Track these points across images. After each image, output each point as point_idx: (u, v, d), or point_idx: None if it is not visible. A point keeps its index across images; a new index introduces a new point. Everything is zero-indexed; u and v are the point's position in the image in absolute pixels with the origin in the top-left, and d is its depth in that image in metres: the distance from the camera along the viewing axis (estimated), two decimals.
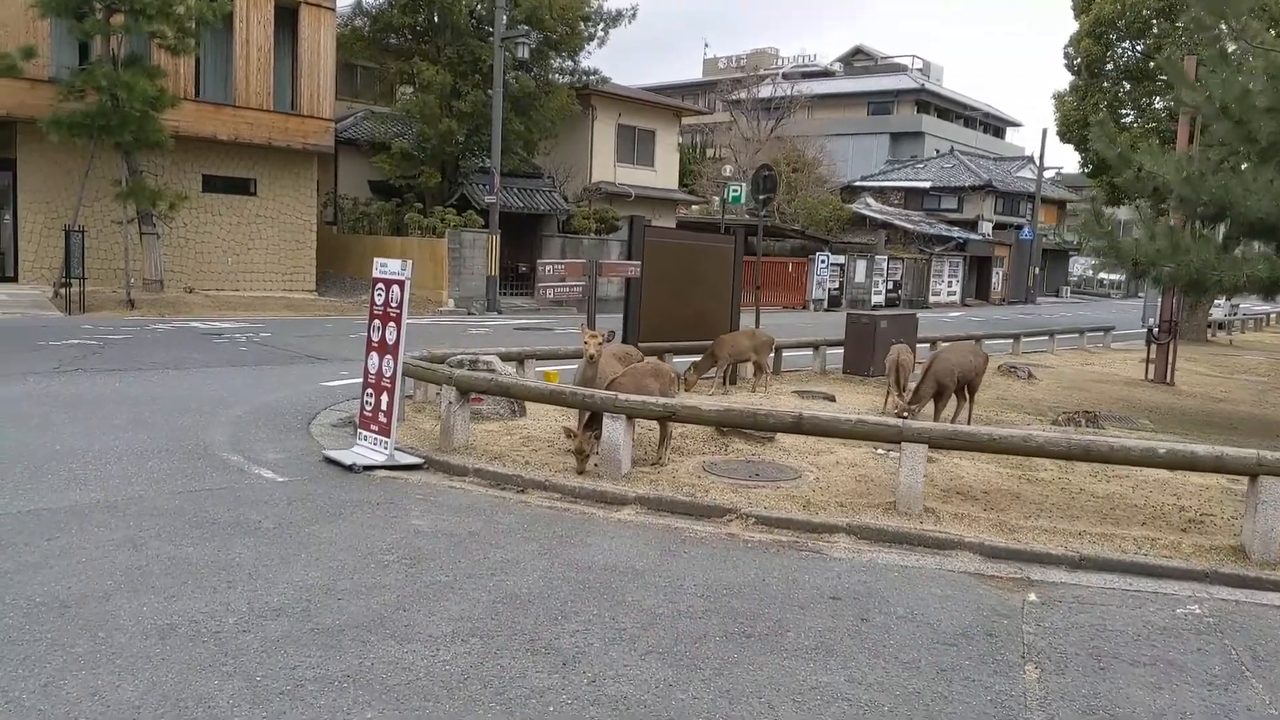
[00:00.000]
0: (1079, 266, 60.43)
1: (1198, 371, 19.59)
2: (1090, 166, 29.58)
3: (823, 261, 34.54)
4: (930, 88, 59.77)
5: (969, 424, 10.04)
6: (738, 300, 13.49)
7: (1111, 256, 13.32)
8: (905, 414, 9.33)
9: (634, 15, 27.65)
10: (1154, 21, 25.51)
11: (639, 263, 10.52)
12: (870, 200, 45.85)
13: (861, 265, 37.70)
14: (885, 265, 38.81)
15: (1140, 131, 26.41)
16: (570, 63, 27.83)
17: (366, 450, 7.37)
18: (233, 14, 21.86)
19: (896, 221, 43.21)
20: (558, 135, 28.13)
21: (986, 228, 46.38)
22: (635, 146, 32.53)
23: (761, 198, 14.11)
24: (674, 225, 33.49)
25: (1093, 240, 13.10)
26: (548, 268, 9.61)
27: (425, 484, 6.86)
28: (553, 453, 7.74)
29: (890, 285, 39.19)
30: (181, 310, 20.19)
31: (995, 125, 67.40)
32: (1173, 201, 13.13)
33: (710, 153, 49.06)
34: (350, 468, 7.04)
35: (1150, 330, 17.67)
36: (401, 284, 7.28)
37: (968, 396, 9.89)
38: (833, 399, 11.71)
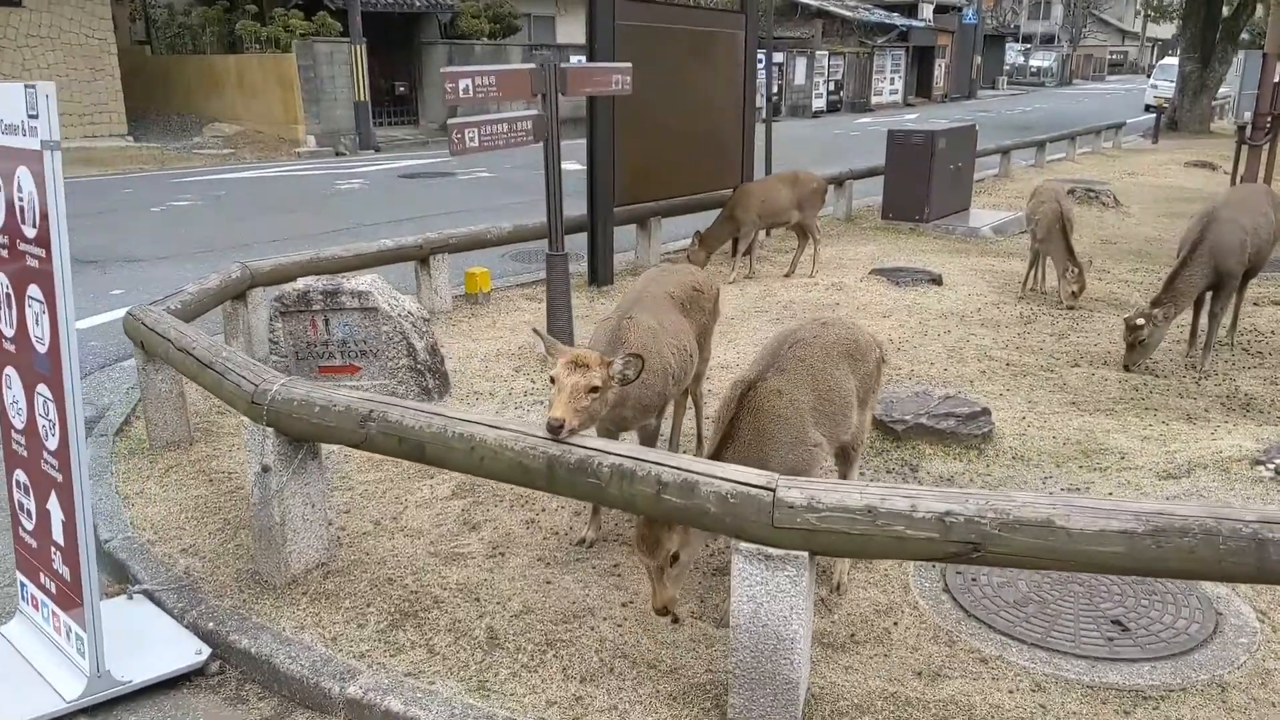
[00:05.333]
0: (1012, 54, 55.89)
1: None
2: None
3: (761, 62, 29.11)
4: None
5: (1232, 330, 5.81)
6: (752, 125, 8.68)
7: None
8: (1147, 323, 5.06)
9: None
10: None
11: (628, 65, 5.62)
12: None
13: (801, 64, 32.38)
14: (826, 63, 33.56)
15: None
16: None
17: (40, 644, 2.68)
18: None
19: (833, 8, 37.47)
20: None
21: (927, 12, 41.04)
22: None
23: None
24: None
25: None
26: (462, 83, 4.66)
27: None
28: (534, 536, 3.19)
29: (831, 86, 34.13)
30: None
31: None
32: None
33: None
34: None
35: (1241, 129, 13.62)
36: (35, 157, 2.33)
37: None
38: (939, 281, 7.29)
